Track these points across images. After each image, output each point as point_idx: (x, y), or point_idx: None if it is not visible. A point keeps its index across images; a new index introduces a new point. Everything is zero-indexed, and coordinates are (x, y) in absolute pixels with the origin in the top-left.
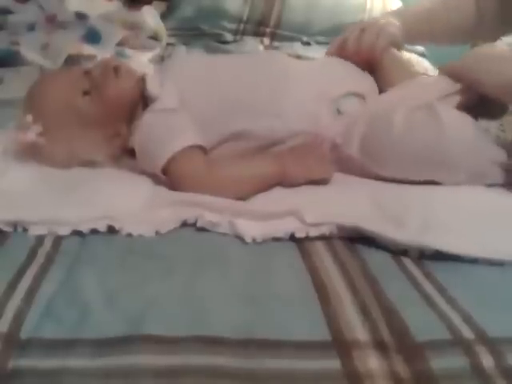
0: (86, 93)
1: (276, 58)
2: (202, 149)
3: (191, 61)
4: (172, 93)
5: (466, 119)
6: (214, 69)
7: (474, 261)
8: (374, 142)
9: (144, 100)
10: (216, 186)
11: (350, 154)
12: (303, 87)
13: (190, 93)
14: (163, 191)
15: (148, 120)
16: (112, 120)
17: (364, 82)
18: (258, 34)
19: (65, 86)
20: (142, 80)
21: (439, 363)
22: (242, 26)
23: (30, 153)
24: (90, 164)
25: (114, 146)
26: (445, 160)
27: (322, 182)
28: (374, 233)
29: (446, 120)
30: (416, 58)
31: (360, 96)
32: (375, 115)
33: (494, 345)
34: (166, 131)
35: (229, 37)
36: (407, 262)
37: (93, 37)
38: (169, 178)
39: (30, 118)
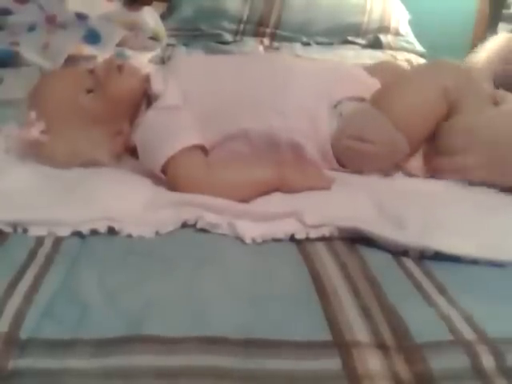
0: (89, 90)
1: (278, 56)
2: (202, 149)
3: (193, 59)
4: (175, 90)
5: None
6: (217, 66)
7: (474, 261)
8: None
9: (148, 99)
10: (213, 188)
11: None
12: (305, 84)
13: (192, 90)
14: (163, 192)
15: (150, 117)
16: (115, 117)
17: (369, 86)
18: (258, 34)
19: (69, 83)
20: (146, 79)
21: (440, 363)
22: (241, 26)
23: (32, 150)
24: (91, 163)
25: (117, 143)
26: None
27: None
28: (374, 234)
29: None
30: None
31: (363, 101)
32: None
33: (494, 345)
34: (168, 130)
35: (229, 37)
36: (408, 262)
37: (93, 37)
38: (167, 177)
39: (33, 114)
